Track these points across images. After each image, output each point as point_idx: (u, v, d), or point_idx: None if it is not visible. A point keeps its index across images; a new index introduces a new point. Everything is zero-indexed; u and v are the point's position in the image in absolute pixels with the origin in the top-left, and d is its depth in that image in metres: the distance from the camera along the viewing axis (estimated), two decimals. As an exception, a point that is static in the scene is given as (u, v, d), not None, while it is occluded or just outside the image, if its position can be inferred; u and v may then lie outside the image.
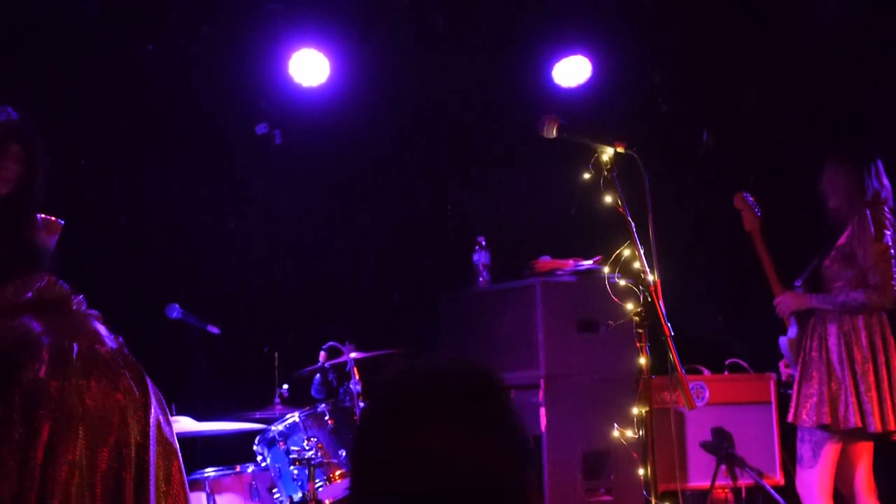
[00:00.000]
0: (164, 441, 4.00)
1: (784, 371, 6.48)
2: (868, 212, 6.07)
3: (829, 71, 8.11)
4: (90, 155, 7.29)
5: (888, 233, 6.08)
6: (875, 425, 5.90)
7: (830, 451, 6.00)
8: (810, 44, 8.05)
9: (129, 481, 3.82)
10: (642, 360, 4.69)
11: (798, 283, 6.25)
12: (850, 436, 5.99)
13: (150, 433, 3.92)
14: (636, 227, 4.91)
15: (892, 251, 6.07)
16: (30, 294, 3.97)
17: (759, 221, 6.48)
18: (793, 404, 6.09)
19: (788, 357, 6.35)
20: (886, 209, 6.15)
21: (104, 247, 7.28)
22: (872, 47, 8.20)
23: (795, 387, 6.10)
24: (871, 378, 5.95)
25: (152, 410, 4.00)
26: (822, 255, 6.19)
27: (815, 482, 5.99)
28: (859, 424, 5.90)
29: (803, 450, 6.07)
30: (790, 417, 6.11)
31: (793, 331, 6.27)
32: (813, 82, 8.12)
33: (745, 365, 7.75)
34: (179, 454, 4.07)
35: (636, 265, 4.81)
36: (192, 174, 7.67)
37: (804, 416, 6.01)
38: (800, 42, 8.05)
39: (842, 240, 6.11)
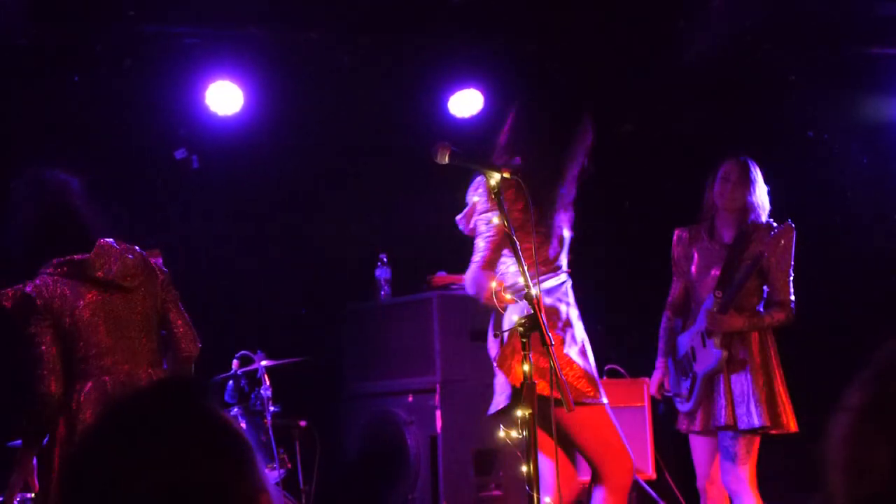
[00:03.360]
0: None
1: (660, 380, 6.36)
2: (788, 227, 6.08)
3: (696, 104, 8.33)
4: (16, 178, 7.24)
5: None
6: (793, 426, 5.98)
7: (757, 447, 6.00)
8: (679, 80, 8.25)
9: None
10: (525, 367, 4.79)
11: (715, 295, 6.02)
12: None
13: None
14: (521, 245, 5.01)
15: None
16: None
17: None
18: (720, 406, 5.96)
19: (674, 373, 6.30)
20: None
21: (28, 266, 7.23)
22: (734, 84, 8.43)
23: (723, 390, 5.95)
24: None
25: None
26: (741, 270, 6.02)
27: (747, 477, 5.93)
28: (795, 427, 5.95)
29: (737, 447, 5.92)
30: (723, 420, 5.95)
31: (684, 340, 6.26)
32: (682, 114, 8.33)
33: (622, 371, 7.88)
34: None
35: (521, 280, 4.89)
36: (114, 195, 7.64)
37: (745, 418, 5.89)
38: (670, 78, 8.25)
39: (758, 254, 6.01)
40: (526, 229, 5.07)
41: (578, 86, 8.32)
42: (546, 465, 5.25)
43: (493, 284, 5.04)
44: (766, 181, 6.33)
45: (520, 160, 5.23)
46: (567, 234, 5.40)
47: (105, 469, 1.49)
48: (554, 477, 5.16)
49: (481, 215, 5.25)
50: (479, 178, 5.30)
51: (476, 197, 5.28)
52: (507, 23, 7.97)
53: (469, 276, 5.22)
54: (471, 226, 5.33)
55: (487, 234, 5.21)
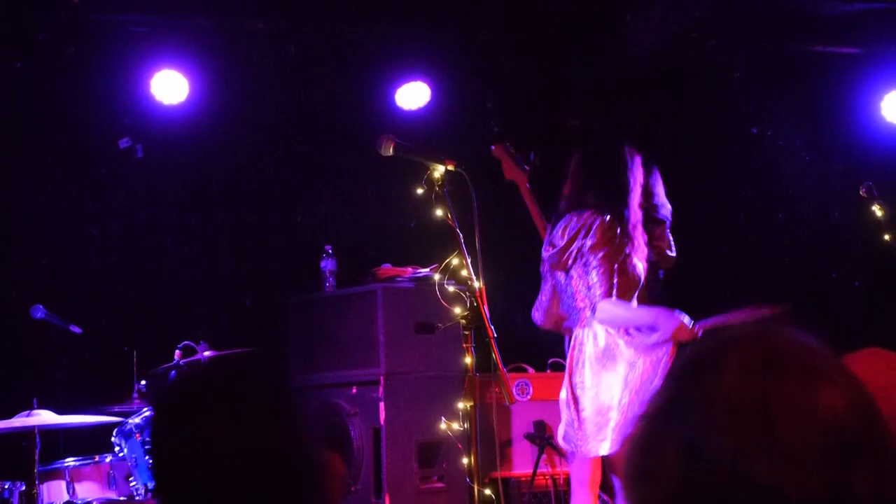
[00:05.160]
0: None
1: None
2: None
3: (642, 97, 8.35)
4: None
5: None
6: None
7: None
8: (625, 73, 8.26)
9: None
10: (468, 360, 4.78)
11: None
12: None
13: None
14: (466, 238, 4.99)
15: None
16: None
17: (526, 174, 6.16)
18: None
19: None
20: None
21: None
22: (680, 78, 8.45)
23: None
24: None
25: None
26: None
27: None
28: None
29: None
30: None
31: None
32: (628, 107, 8.34)
33: (565, 363, 7.87)
34: None
35: (464, 273, 4.87)
36: (58, 184, 7.59)
37: None
38: (616, 72, 8.25)
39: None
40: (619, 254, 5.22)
41: (527, 77, 8.33)
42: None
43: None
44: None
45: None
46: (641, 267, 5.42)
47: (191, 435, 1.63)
48: None
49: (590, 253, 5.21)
50: (571, 218, 5.32)
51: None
52: (456, 14, 7.94)
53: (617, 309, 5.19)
54: (565, 258, 5.29)
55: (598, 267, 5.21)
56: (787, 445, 1.28)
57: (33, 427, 5.88)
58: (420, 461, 7.14)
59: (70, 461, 6.21)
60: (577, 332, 5.35)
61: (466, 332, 4.80)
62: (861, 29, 8.31)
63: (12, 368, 7.03)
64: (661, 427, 1.34)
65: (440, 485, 7.17)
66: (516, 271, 7.55)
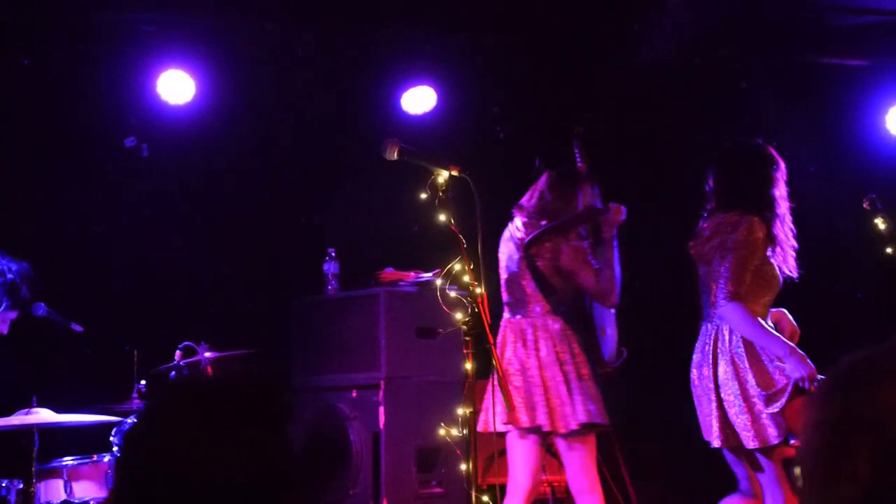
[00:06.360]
0: None
1: None
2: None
3: (649, 106, 8.32)
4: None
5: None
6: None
7: None
8: (632, 83, 8.24)
9: None
10: (468, 366, 4.75)
11: None
12: None
13: None
14: (469, 243, 4.96)
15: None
16: None
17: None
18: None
19: None
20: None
21: None
22: (686, 88, 8.43)
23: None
24: None
25: None
26: None
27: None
28: None
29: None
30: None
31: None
32: (635, 115, 8.32)
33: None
34: None
35: (466, 279, 4.85)
36: (62, 181, 7.57)
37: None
38: (623, 81, 8.22)
39: None
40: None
41: (534, 83, 8.30)
42: None
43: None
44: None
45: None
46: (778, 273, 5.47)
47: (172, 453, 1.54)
48: None
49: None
50: (718, 216, 5.37)
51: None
52: (464, 18, 7.91)
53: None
54: (706, 251, 5.34)
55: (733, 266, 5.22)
56: None
57: (32, 425, 5.86)
58: (419, 466, 7.11)
59: (68, 460, 6.17)
60: (707, 325, 5.36)
61: (467, 338, 4.77)
62: (868, 42, 8.28)
63: (12, 366, 7.00)
64: (847, 435, 1.43)
65: (439, 490, 7.14)
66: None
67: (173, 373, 6.80)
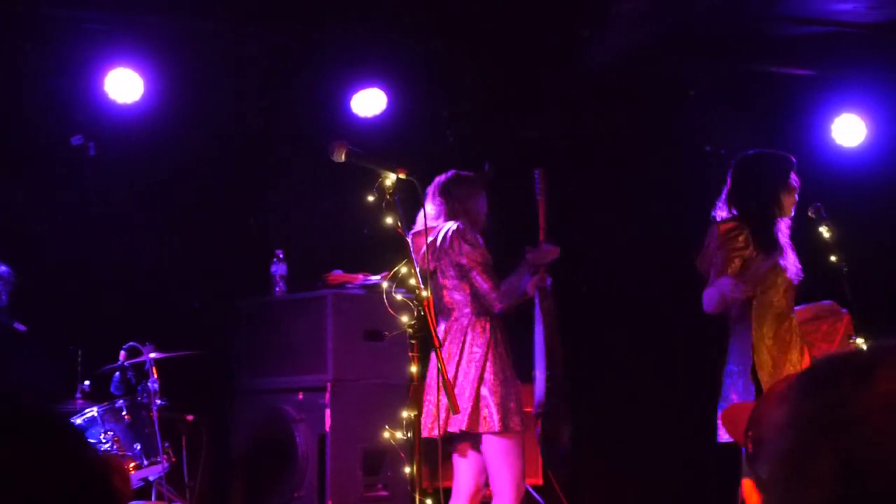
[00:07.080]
0: None
1: None
2: None
3: (597, 112, 8.36)
4: None
5: None
6: None
7: None
8: (581, 88, 8.27)
9: None
10: (413, 368, 4.74)
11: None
12: None
13: None
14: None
15: None
16: None
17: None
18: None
19: None
20: None
21: None
22: (635, 94, 8.47)
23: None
24: None
25: None
26: None
27: None
28: None
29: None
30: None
31: None
32: (583, 121, 8.35)
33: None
34: None
35: (412, 281, 4.84)
36: (6, 179, 7.47)
37: None
38: (571, 86, 8.25)
39: None
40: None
41: (484, 87, 8.31)
42: None
43: None
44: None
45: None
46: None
47: None
48: None
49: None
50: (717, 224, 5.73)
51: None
52: (414, 22, 7.90)
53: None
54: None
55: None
56: None
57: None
58: (365, 469, 7.10)
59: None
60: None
61: (413, 341, 4.76)
62: (815, 52, 8.35)
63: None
64: (814, 437, 1.38)
65: (384, 493, 7.13)
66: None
67: (117, 374, 6.75)
